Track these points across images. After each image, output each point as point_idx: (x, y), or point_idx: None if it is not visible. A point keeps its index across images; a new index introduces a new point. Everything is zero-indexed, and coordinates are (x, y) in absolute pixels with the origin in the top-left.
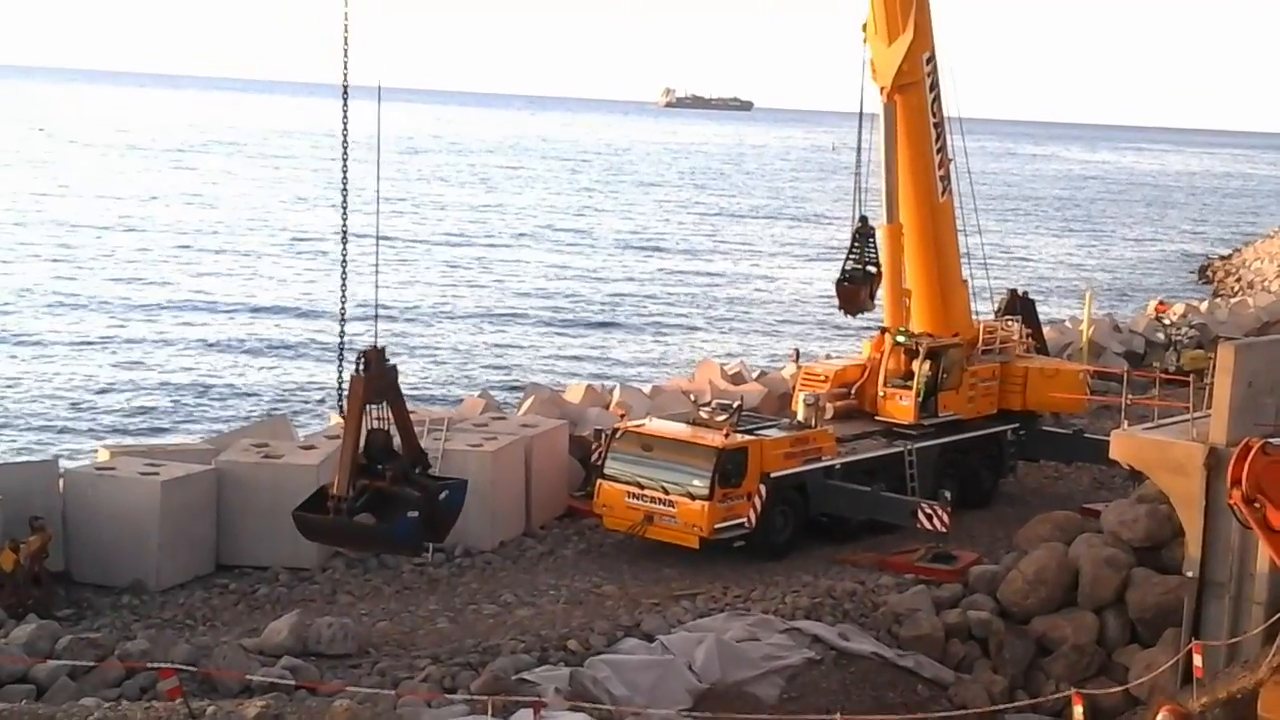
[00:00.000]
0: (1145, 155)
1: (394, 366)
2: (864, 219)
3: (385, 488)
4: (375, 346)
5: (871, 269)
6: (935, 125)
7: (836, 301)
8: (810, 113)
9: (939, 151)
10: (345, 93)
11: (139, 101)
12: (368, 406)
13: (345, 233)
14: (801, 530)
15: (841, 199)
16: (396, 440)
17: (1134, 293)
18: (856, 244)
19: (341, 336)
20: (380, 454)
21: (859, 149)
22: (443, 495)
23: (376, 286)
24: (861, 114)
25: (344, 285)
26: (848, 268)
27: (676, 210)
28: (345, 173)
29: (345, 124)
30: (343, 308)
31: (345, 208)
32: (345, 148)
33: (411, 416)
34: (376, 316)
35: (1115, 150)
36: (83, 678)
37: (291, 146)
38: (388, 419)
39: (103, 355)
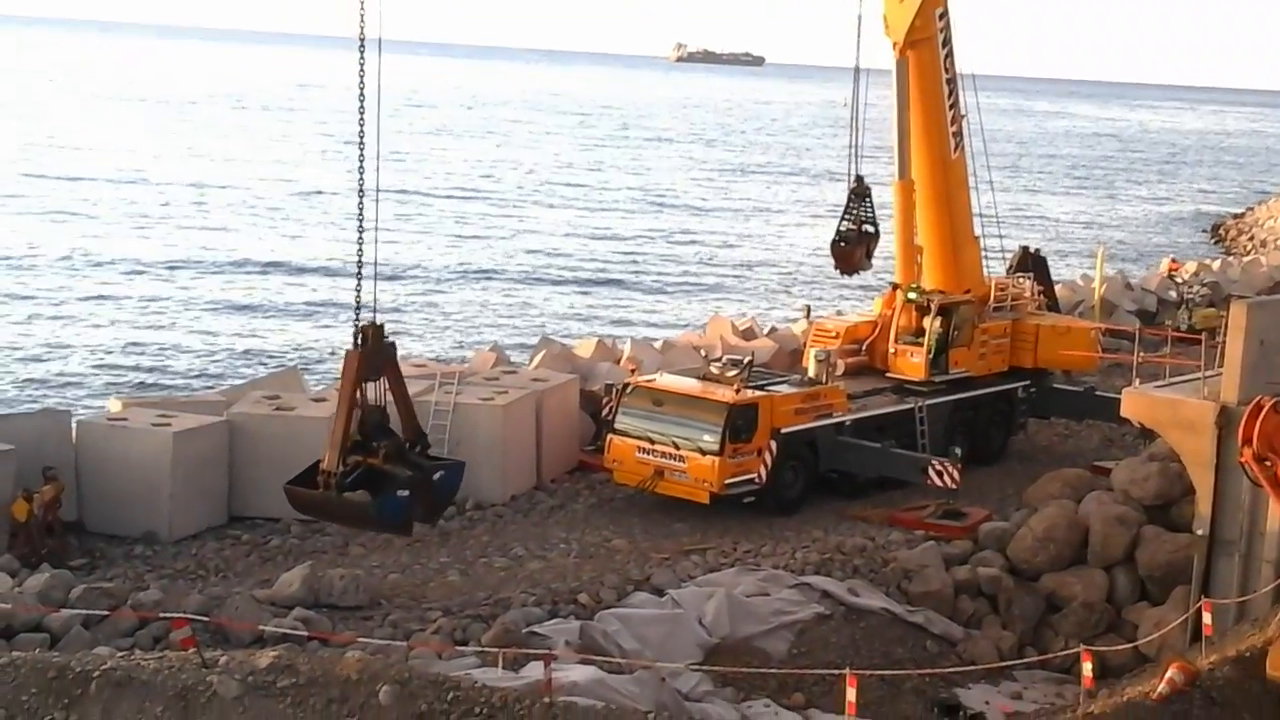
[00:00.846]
0: (1159, 113)
1: (392, 343)
2: (859, 178)
3: (378, 465)
4: (373, 322)
5: (868, 229)
6: (948, 81)
7: (832, 263)
8: (822, 68)
9: (951, 108)
10: (362, 48)
11: (144, 52)
12: (372, 382)
13: (362, 189)
14: (812, 486)
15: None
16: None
17: (1146, 251)
18: (852, 204)
19: (358, 291)
20: (375, 431)
21: (854, 106)
22: (437, 476)
23: (376, 249)
24: (857, 70)
25: (360, 239)
26: (843, 228)
27: (688, 166)
28: (363, 136)
29: (362, 82)
30: (359, 260)
31: (362, 166)
32: (363, 107)
33: (423, 370)
34: (375, 284)
35: (1128, 108)
36: (96, 627)
37: (300, 100)
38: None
39: (115, 310)
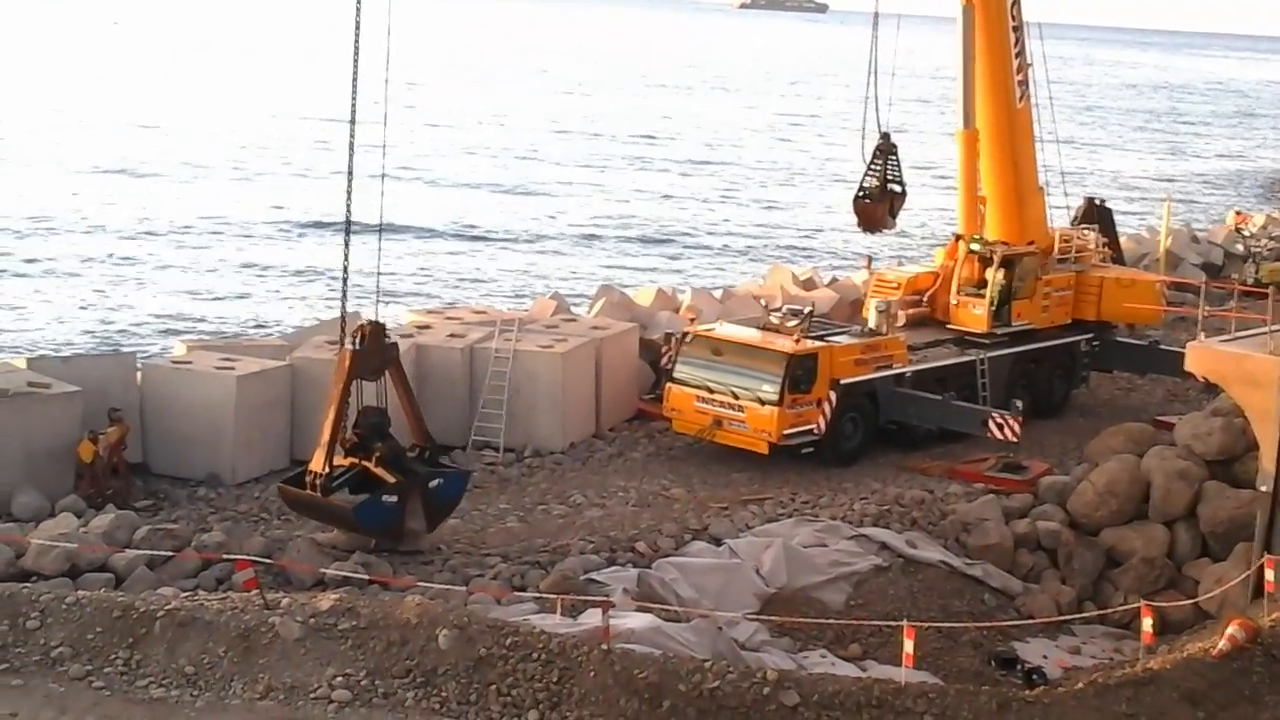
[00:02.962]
0: (1227, 63)
1: (394, 343)
2: (885, 134)
3: (370, 469)
4: (373, 320)
5: (895, 187)
6: (1014, 29)
7: (855, 220)
8: (886, 16)
9: (1017, 56)
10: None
11: None
12: (371, 383)
13: (353, 138)
14: (871, 437)
15: (913, 110)
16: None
17: (1213, 203)
18: (877, 160)
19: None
20: (372, 433)
21: (873, 57)
22: (434, 484)
23: (380, 235)
24: (876, 17)
25: (349, 190)
26: (866, 184)
27: (750, 117)
28: (355, 88)
29: (358, 33)
30: (348, 219)
31: (353, 119)
32: (357, 55)
33: (483, 316)
34: (379, 283)
35: (1195, 57)
36: (160, 568)
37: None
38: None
39: (180, 256)
